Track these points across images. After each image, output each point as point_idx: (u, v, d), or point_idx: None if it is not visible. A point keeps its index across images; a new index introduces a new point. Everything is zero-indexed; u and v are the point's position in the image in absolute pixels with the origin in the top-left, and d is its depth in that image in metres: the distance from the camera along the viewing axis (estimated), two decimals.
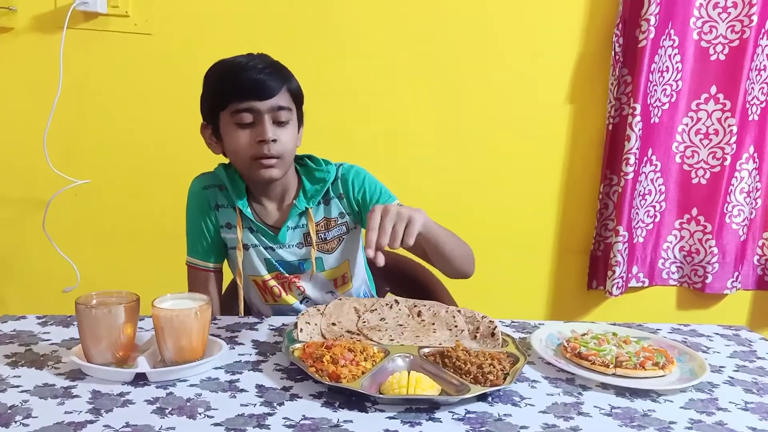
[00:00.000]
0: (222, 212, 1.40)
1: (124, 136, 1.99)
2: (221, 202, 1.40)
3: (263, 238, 1.39)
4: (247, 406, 0.91)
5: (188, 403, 0.91)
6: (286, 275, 1.41)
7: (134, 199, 2.02)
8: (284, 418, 0.88)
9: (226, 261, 1.46)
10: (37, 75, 1.90)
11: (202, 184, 1.42)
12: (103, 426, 0.84)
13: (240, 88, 1.26)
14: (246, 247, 1.40)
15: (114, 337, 1.00)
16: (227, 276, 1.47)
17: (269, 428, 0.85)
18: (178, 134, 1.98)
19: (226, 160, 1.39)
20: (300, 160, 1.44)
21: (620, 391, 1.01)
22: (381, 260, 1.02)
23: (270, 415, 0.89)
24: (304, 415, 0.89)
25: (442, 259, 1.30)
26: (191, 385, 0.97)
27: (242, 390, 0.96)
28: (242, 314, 1.39)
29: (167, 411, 0.89)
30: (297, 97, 1.34)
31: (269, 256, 1.40)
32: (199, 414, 0.88)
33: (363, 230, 1.46)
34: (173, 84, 1.96)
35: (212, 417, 0.88)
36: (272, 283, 1.43)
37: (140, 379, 0.97)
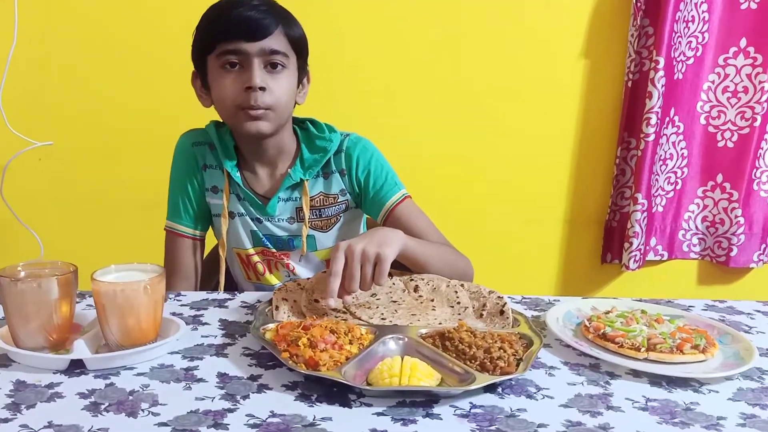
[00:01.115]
0: (209, 173, 1.25)
1: (91, 91, 1.82)
2: (210, 162, 1.25)
3: (250, 208, 1.24)
4: (203, 400, 0.75)
5: (130, 397, 0.75)
6: (273, 251, 1.26)
7: (103, 162, 1.87)
8: (247, 416, 0.72)
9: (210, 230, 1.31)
10: None
11: (191, 141, 1.27)
12: (20, 426, 0.68)
13: (227, 26, 1.11)
14: (231, 215, 1.25)
15: (45, 317, 0.83)
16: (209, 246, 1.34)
17: (227, 429, 0.69)
18: (154, 88, 1.83)
19: (215, 117, 1.23)
20: (301, 123, 1.28)
21: (655, 380, 0.85)
22: (348, 300, 1.00)
23: (230, 411, 0.73)
24: (272, 412, 0.73)
25: (423, 272, 1.17)
26: (138, 374, 0.81)
27: (200, 380, 0.80)
28: (221, 290, 1.23)
29: (103, 407, 0.73)
30: (298, 45, 1.17)
31: (256, 229, 1.25)
32: (142, 411, 0.72)
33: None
34: (143, 36, 1.79)
35: (158, 414, 0.72)
36: (256, 258, 1.28)
37: (77, 367, 0.81)
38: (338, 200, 1.27)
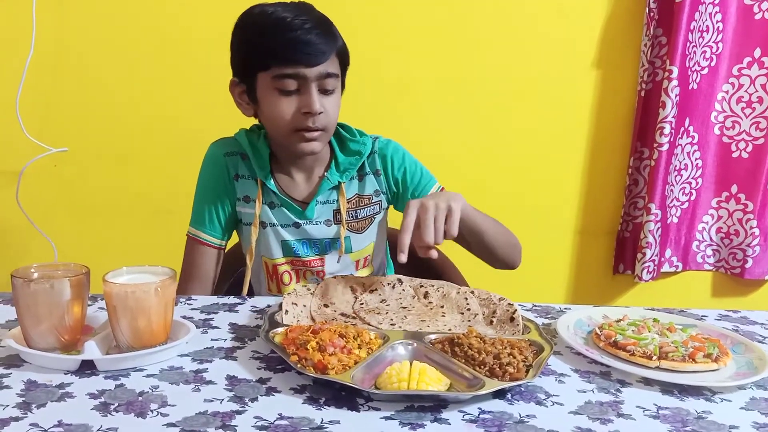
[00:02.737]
0: (241, 183, 1.25)
1: (105, 99, 1.84)
2: (242, 172, 1.25)
3: (288, 213, 1.24)
4: (212, 401, 0.75)
5: (140, 398, 0.75)
6: (303, 260, 1.26)
7: (116, 168, 1.88)
8: (255, 418, 0.72)
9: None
10: (8, 33, 1.76)
11: (223, 151, 1.26)
12: (30, 425, 0.69)
13: (286, 49, 1.10)
14: (263, 225, 1.25)
15: (58, 318, 0.84)
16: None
17: (235, 430, 0.69)
18: (166, 95, 1.84)
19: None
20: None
21: (667, 388, 0.84)
22: (434, 254, 1.02)
23: (239, 413, 0.73)
24: (280, 414, 0.73)
25: (483, 247, 1.22)
26: (148, 376, 0.81)
27: (209, 382, 0.80)
28: (245, 296, 1.23)
29: (112, 407, 0.73)
30: (344, 61, 1.19)
31: (288, 237, 1.25)
32: (151, 411, 0.72)
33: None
34: (160, 40, 1.81)
35: (167, 415, 0.72)
36: (284, 268, 1.28)
37: (88, 368, 0.82)
38: (372, 201, 1.29)
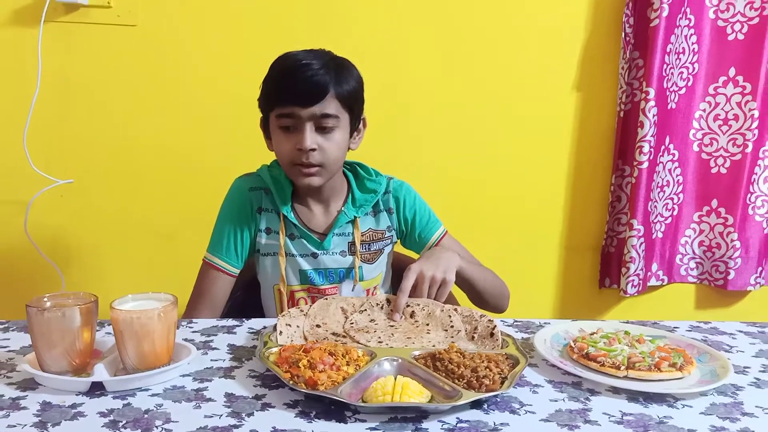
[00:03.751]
0: (264, 216, 1.35)
1: (108, 133, 1.91)
2: (266, 206, 1.35)
3: (306, 244, 1.34)
4: (211, 417, 0.82)
5: (146, 415, 0.82)
6: (319, 287, 1.35)
7: (121, 199, 1.94)
8: (251, 430, 0.78)
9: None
10: (16, 71, 1.83)
11: (248, 185, 1.37)
12: None
13: (284, 91, 1.22)
14: (284, 255, 1.34)
15: (69, 343, 0.91)
16: None
17: None
18: (168, 129, 1.91)
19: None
20: (349, 166, 1.41)
21: (633, 396, 0.91)
22: (398, 318, 1.17)
23: (236, 427, 0.80)
24: (274, 427, 0.80)
25: (474, 294, 1.38)
26: (153, 395, 0.88)
27: (209, 399, 0.87)
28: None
29: (121, 424, 0.80)
30: (349, 102, 1.26)
31: (306, 267, 1.34)
32: (156, 427, 0.79)
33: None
34: (160, 78, 1.88)
35: (170, 430, 0.78)
36: (300, 294, 1.36)
37: (97, 389, 0.88)
38: (385, 236, 1.40)
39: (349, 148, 1.32)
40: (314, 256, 1.34)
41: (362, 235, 1.37)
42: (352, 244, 1.36)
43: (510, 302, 1.96)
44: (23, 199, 1.85)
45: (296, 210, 1.35)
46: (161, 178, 1.92)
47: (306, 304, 1.35)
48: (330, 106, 1.22)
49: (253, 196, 1.35)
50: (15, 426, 0.79)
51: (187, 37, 1.87)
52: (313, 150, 1.22)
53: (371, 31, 1.93)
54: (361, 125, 1.34)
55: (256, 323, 1.19)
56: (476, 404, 0.86)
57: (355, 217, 1.35)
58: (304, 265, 1.34)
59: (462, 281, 1.31)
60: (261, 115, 1.31)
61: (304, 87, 1.20)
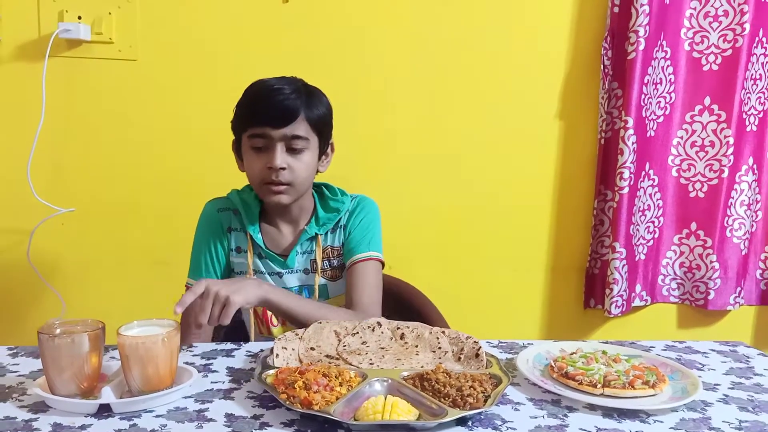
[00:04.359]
0: (234, 235, 1.42)
1: (109, 163, 1.98)
2: (234, 225, 1.42)
3: (271, 264, 1.40)
4: None
5: None
6: None
7: (120, 227, 2.00)
8: None
9: None
10: (20, 103, 1.89)
11: (216, 207, 1.44)
12: None
13: (256, 113, 1.29)
14: (254, 273, 1.40)
15: (78, 367, 0.96)
16: None
17: None
18: (164, 161, 1.97)
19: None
20: (317, 187, 1.46)
21: (608, 412, 0.97)
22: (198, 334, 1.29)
23: None
24: None
25: (299, 326, 1.26)
26: (157, 416, 0.93)
27: (210, 419, 0.92)
28: (253, 339, 1.40)
29: None
30: (318, 126, 1.33)
31: (273, 285, 1.37)
32: None
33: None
34: (159, 111, 1.96)
35: None
36: (270, 312, 1.42)
37: (105, 411, 0.94)
38: (341, 252, 1.43)
39: (317, 171, 1.39)
40: (279, 275, 1.40)
41: (323, 252, 1.41)
42: (314, 261, 1.41)
43: (498, 322, 2.03)
44: (26, 227, 1.90)
45: (263, 230, 1.41)
46: (158, 207, 1.98)
47: (278, 321, 1.42)
48: (300, 128, 1.29)
49: (223, 217, 1.42)
50: None
51: (185, 72, 1.95)
52: (283, 169, 1.28)
53: (356, 69, 2.01)
54: (329, 149, 1.41)
55: (253, 346, 1.25)
56: (461, 421, 0.92)
57: (316, 234, 1.40)
58: (272, 283, 1.38)
59: (278, 311, 1.28)
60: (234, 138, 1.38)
61: (277, 109, 1.27)
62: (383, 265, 1.44)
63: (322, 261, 1.41)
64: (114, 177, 1.98)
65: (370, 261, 1.40)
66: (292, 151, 1.30)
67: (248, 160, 1.33)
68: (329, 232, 1.43)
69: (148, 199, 1.99)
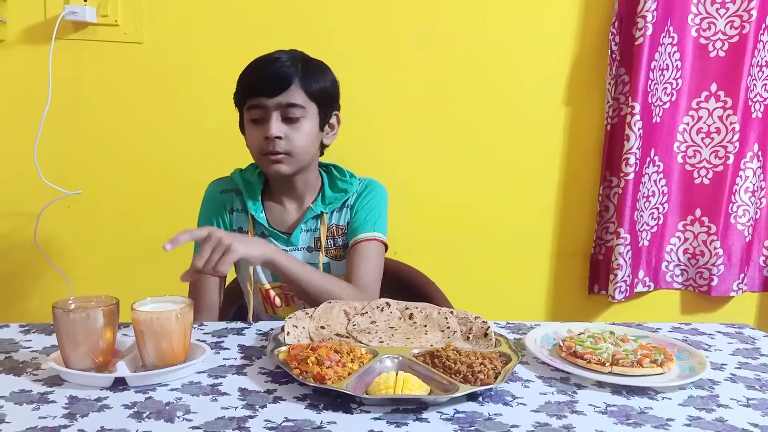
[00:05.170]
0: (236, 216, 1.42)
1: (115, 146, 1.98)
2: (236, 206, 1.42)
3: (275, 242, 1.38)
4: (228, 409, 0.88)
5: (167, 407, 0.89)
6: None
7: (127, 209, 2.01)
8: (265, 421, 0.85)
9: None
10: (27, 86, 1.89)
11: (219, 188, 1.44)
12: (78, 430, 0.82)
13: (252, 84, 1.30)
14: None
15: (93, 342, 0.97)
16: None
17: (249, 430, 0.82)
18: (171, 144, 1.98)
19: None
20: (326, 167, 1.46)
21: (616, 389, 0.98)
22: (194, 277, 1.17)
23: (251, 417, 0.86)
24: (286, 417, 0.86)
25: (301, 293, 1.29)
26: (172, 390, 0.94)
27: (224, 393, 0.94)
28: (250, 319, 1.39)
29: (144, 415, 0.86)
30: (318, 96, 1.33)
31: None
32: (178, 418, 0.86)
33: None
34: (165, 93, 1.95)
35: (191, 420, 0.85)
36: (273, 293, 1.42)
37: (119, 385, 0.95)
38: (345, 231, 1.42)
39: (323, 145, 1.39)
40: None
41: (328, 230, 1.41)
42: (318, 239, 1.40)
43: (502, 307, 2.04)
44: (33, 209, 1.91)
45: (267, 208, 1.41)
46: (165, 190, 1.98)
47: (281, 302, 1.42)
48: (296, 96, 1.29)
49: (225, 198, 1.42)
50: (46, 417, 0.85)
51: (191, 54, 1.95)
52: (279, 138, 1.28)
53: (366, 52, 2.01)
54: (333, 120, 1.40)
55: (263, 325, 1.26)
56: (472, 397, 0.93)
57: (322, 212, 1.39)
58: (279, 246, 1.38)
59: (281, 275, 1.26)
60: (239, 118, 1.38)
61: (270, 78, 1.28)
62: (387, 248, 1.44)
63: (327, 240, 1.41)
64: (120, 160, 1.98)
65: (373, 241, 1.39)
66: (288, 120, 1.30)
67: (248, 134, 1.34)
68: (335, 211, 1.42)
69: (154, 182, 1.99)
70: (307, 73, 1.31)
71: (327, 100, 1.36)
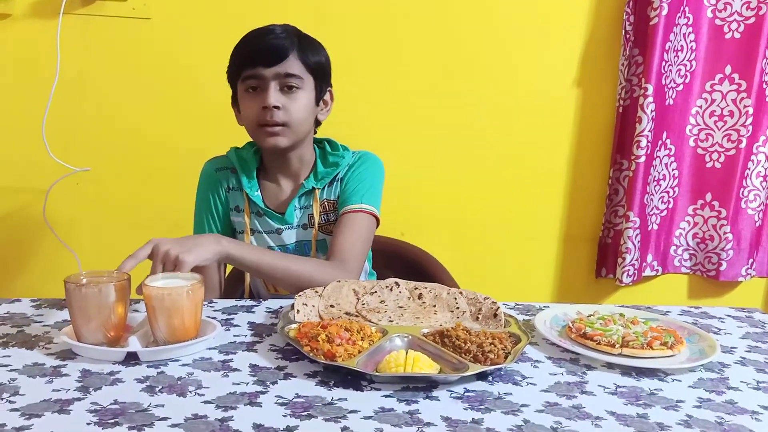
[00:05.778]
0: (232, 194, 1.42)
1: (124, 122, 1.97)
2: (232, 184, 1.41)
3: (270, 222, 1.38)
4: (239, 384, 0.89)
5: (179, 382, 0.89)
6: None
7: (136, 186, 2.01)
8: (276, 396, 0.85)
9: None
10: (35, 62, 1.89)
11: (215, 167, 1.43)
12: (91, 403, 0.82)
13: (248, 54, 1.29)
14: (252, 232, 1.39)
15: (105, 317, 0.97)
16: None
17: (261, 406, 0.83)
18: (180, 120, 1.97)
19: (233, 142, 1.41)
20: (319, 142, 1.44)
21: (626, 371, 0.98)
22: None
23: (262, 393, 0.86)
24: (297, 394, 0.86)
25: (268, 280, 1.32)
26: (183, 365, 0.95)
27: (235, 369, 0.94)
28: (247, 297, 1.39)
29: (157, 389, 0.87)
30: (314, 69, 1.32)
31: (272, 243, 1.38)
32: (190, 392, 0.86)
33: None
34: (173, 69, 1.95)
35: (203, 395, 0.85)
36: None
37: (131, 359, 0.95)
38: (335, 205, 1.41)
39: (317, 121, 1.38)
40: (278, 232, 1.39)
41: (320, 206, 1.39)
42: (311, 216, 1.39)
43: (510, 289, 2.04)
44: (42, 186, 1.90)
45: (263, 187, 1.40)
46: (173, 167, 1.98)
47: None
48: (293, 66, 1.29)
49: (221, 176, 1.42)
50: (60, 390, 0.85)
51: (199, 31, 1.94)
52: (278, 108, 1.27)
53: (372, 30, 1.99)
54: (328, 97, 1.40)
55: (273, 303, 1.26)
56: (482, 376, 0.93)
57: (314, 188, 1.38)
58: (270, 241, 1.39)
59: (242, 266, 1.24)
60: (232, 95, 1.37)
61: (268, 48, 1.27)
62: (378, 222, 1.40)
63: (320, 215, 1.39)
64: (129, 137, 1.98)
65: (361, 213, 1.35)
66: (286, 90, 1.29)
67: (244, 105, 1.32)
68: (327, 186, 1.40)
69: (162, 159, 1.99)
70: (304, 46, 1.31)
71: (322, 73, 1.35)
